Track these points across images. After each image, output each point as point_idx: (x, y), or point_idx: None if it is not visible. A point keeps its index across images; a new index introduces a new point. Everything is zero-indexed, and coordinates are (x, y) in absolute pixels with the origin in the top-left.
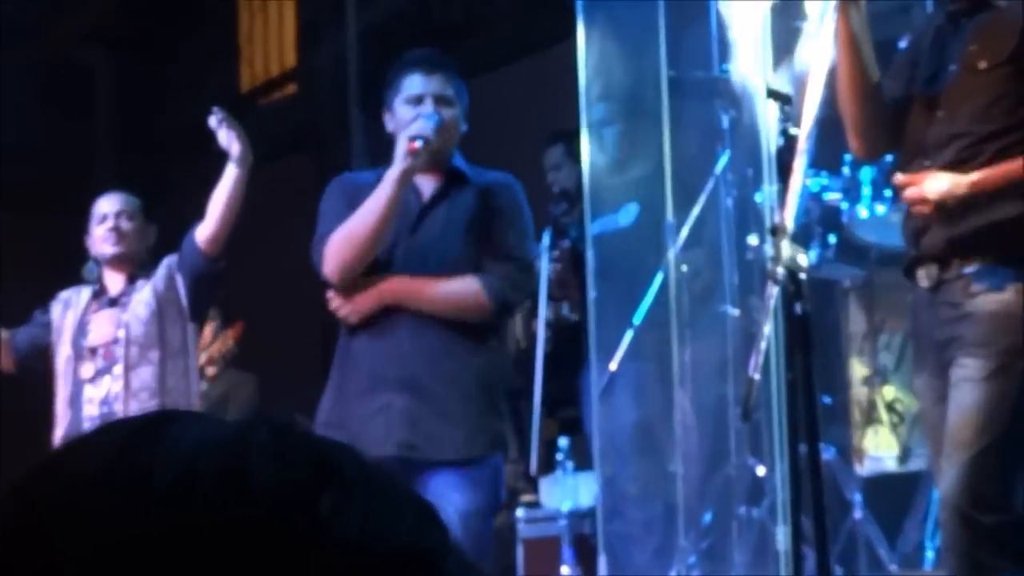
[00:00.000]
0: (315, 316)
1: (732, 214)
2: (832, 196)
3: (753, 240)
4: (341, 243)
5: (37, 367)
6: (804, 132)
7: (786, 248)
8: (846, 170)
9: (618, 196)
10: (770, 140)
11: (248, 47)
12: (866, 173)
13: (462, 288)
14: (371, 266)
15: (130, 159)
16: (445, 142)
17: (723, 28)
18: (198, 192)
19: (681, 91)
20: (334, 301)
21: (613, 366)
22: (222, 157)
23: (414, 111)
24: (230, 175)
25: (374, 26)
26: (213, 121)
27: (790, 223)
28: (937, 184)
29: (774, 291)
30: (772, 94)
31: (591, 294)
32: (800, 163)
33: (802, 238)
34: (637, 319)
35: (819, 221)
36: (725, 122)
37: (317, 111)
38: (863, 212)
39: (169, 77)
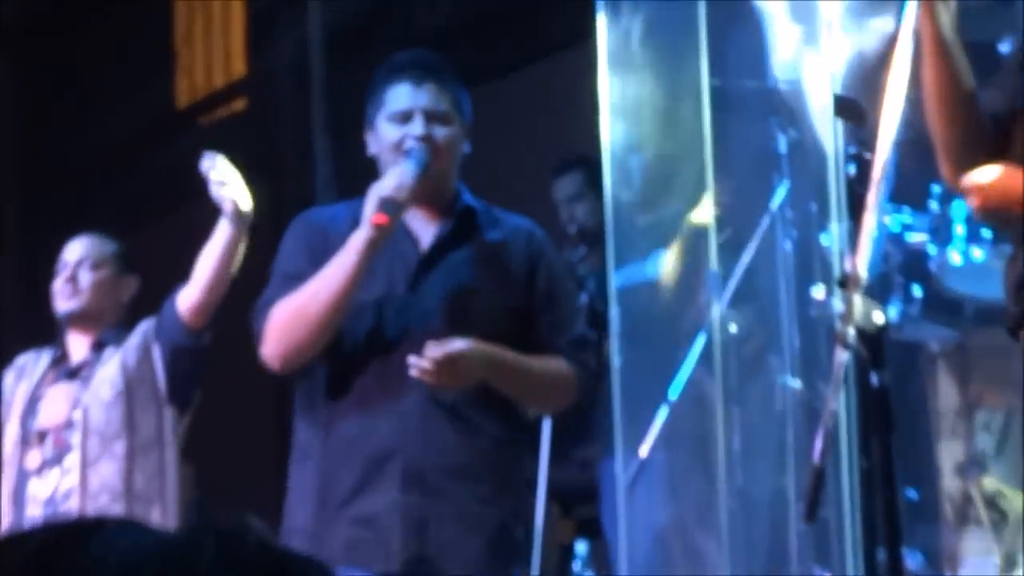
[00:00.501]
0: (269, 391)
1: (791, 261)
2: (917, 237)
3: (818, 293)
4: (287, 321)
5: None
6: (881, 157)
7: (859, 303)
8: (934, 205)
9: (648, 239)
10: (839, 167)
11: (186, 52)
12: (959, 208)
13: (559, 373)
14: (347, 335)
15: (39, 188)
16: (442, 171)
17: (779, 26)
18: (127, 231)
19: (727, 106)
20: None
21: (643, 452)
22: (151, 190)
23: (399, 131)
24: (222, 234)
25: (342, 26)
26: (204, 166)
27: (864, 272)
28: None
29: (844, 357)
30: (842, 110)
31: (615, 361)
32: (876, 196)
33: (879, 291)
34: (673, 393)
35: (900, 269)
36: (783, 145)
37: (272, 131)
38: (955, 257)
39: (87, 91)
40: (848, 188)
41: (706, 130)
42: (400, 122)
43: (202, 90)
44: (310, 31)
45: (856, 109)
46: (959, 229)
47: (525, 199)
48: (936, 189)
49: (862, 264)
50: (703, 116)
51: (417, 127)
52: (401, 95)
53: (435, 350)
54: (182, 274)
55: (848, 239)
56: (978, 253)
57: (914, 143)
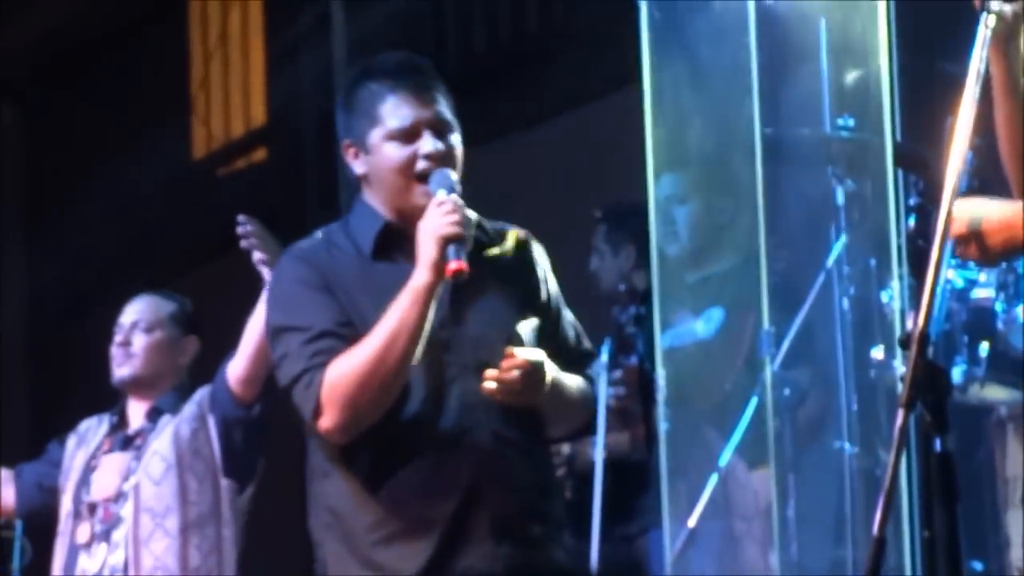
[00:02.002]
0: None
1: (850, 319)
2: (983, 294)
3: (878, 354)
4: (350, 387)
5: (46, 515)
6: (946, 209)
7: (922, 364)
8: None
9: (697, 297)
10: (901, 220)
11: (202, 99)
12: None
13: (583, 390)
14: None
15: (47, 243)
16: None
17: (838, 71)
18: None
19: (781, 155)
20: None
21: (692, 523)
22: (170, 245)
23: (405, 150)
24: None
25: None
26: (239, 232)
27: (927, 330)
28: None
29: (906, 421)
30: (902, 159)
31: (662, 426)
32: (940, 250)
33: (944, 350)
34: (723, 460)
35: (966, 327)
36: (840, 196)
37: (295, 184)
38: None
39: (96, 141)
40: (909, 242)
41: (758, 181)
42: (405, 140)
43: (219, 139)
44: (335, 76)
45: (918, 158)
46: None
47: (565, 249)
48: None
49: (926, 322)
50: (756, 166)
51: (428, 144)
52: (402, 109)
53: (517, 360)
54: (226, 336)
55: (910, 296)
56: None
57: (980, 192)
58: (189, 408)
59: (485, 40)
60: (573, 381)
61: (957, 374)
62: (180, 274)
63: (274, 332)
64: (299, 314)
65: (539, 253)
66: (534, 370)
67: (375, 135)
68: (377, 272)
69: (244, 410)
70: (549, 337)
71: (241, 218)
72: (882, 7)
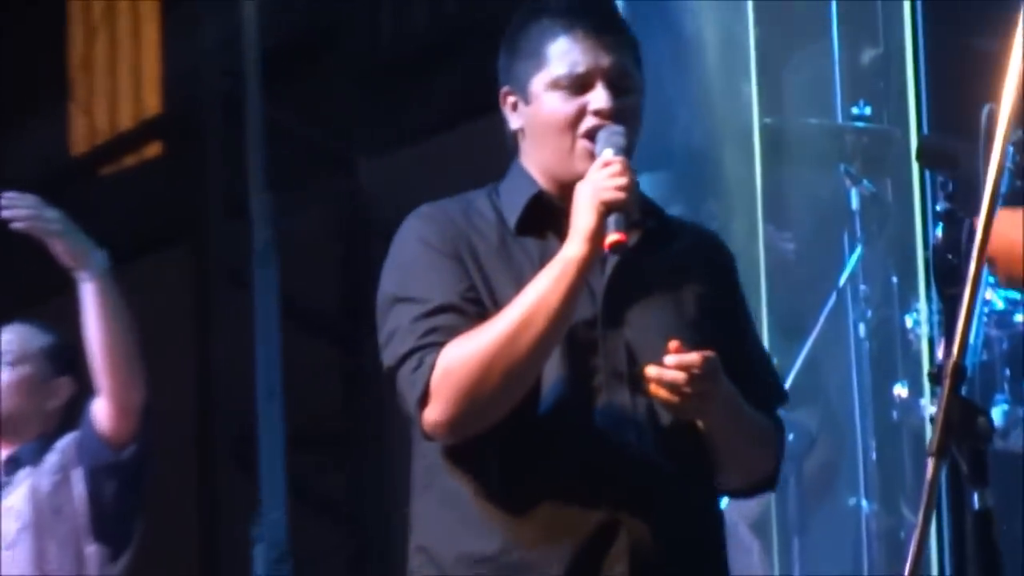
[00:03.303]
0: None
1: (867, 349)
2: None
3: (901, 391)
4: (472, 372)
5: None
6: (985, 215)
7: (956, 403)
8: None
9: None
10: (928, 230)
11: (83, 83)
12: None
13: (767, 429)
14: None
15: None
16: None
17: (852, 49)
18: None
19: (784, 150)
20: None
21: None
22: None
23: (573, 103)
24: (87, 298)
25: (286, 51)
26: (8, 212)
27: (962, 363)
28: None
29: (937, 473)
30: (929, 155)
31: None
32: (978, 266)
33: (982, 387)
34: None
35: (1009, 358)
36: (855, 199)
37: (196, 184)
38: None
39: None
40: (937, 256)
41: (757, 181)
42: (573, 91)
43: (105, 132)
44: (244, 57)
45: (948, 154)
46: None
47: None
48: None
49: (959, 354)
50: (754, 163)
51: (600, 98)
52: (574, 52)
53: (688, 357)
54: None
55: (940, 321)
56: None
57: None
58: (50, 458)
59: (427, 15)
60: (758, 418)
61: (998, 415)
62: (52, 295)
63: (386, 304)
64: (417, 283)
65: (727, 258)
66: (707, 373)
67: (538, 80)
68: (521, 248)
69: (114, 453)
70: (729, 363)
71: (9, 195)
72: None
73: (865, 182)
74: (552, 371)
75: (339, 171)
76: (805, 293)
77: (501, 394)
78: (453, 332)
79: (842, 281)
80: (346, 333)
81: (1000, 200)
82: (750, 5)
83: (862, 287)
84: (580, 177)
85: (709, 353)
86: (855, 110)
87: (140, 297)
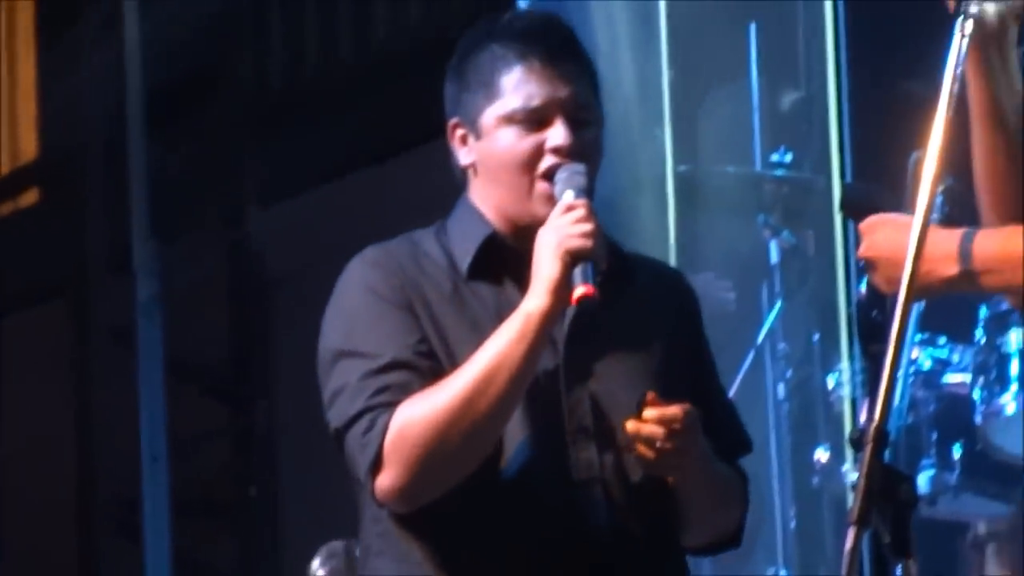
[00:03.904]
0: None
1: (786, 410)
2: (958, 378)
3: (822, 455)
4: (428, 433)
5: None
6: (908, 272)
7: (879, 469)
8: (980, 334)
9: None
10: (852, 284)
11: None
12: (1017, 338)
13: (733, 479)
14: None
15: None
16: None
17: (772, 92)
18: None
19: (699, 199)
20: None
21: None
22: None
23: (529, 139)
24: None
25: (171, 91)
26: None
27: (885, 426)
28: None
29: (858, 542)
30: (853, 205)
31: None
32: (902, 323)
33: (908, 451)
34: None
35: (936, 421)
36: (775, 252)
37: (75, 235)
38: (1010, 406)
39: None
40: (861, 312)
41: (670, 231)
42: (529, 126)
43: None
44: (127, 100)
45: (872, 204)
46: (1015, 367)
47: None
48: (984, 312)
49: (882, 416)
50: (667, 212)
51: (559, 135)
52: (529, 83)
53: (670, 411)
54: None
55: (864, 381)
56: None
57: None
58: None
59: (321, 58)
60: (725, 471)
61: (924, 481)
62: None
63: (329, 358)
64: (365, 336)
65: (690, 299)
66: (687, 427)
67: (490, 114)
68: (475, 295)
69: None
70: (697, 403)
71: None
72: (828, 9)
73: (785, 233)
74: (512, 427)
75: (228, 220)
76: (721, 350)
77: (460, 458)
78: (406, 390)
79: (760, 338)
80: (236, 392)
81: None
82: (664, 46)
83: (781, 345)
84: (538, 221)
85: (688, 406)
86: (775, 157)
87: (16, 354)
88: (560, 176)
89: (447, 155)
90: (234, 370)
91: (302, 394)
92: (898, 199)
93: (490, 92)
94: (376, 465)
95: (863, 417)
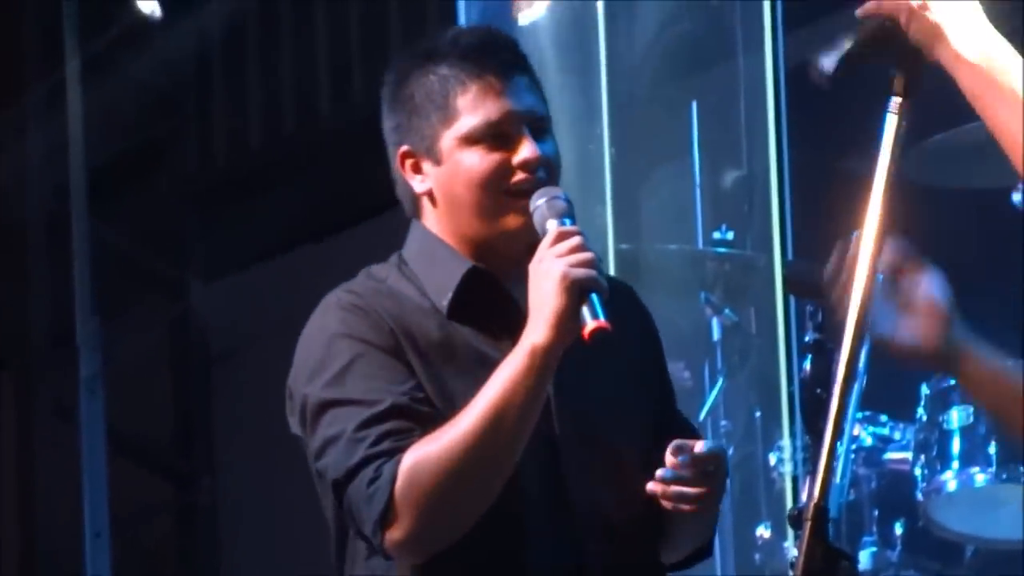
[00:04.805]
0: None
1: (728, 487)
2: (899, 456)
3: (764, 532)
4: (439, 480)
5: None
6: (848, 345)
7: (819, 547)
8: (921, 412)
9: None
10: (792, 361)
11: None
12: (958, 415)
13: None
14: None
15: None
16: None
17: (713, 171)
18: None
19: (640, 276)
20: None
21: None
22: None
23: (491, 157)
24: None
25: (113, 165)
26: None
27: (825, 503)
28: None
29: None
30: (795, 283)
31: None
32: (843, 401)
33: (849, 528)
34: None
35: (876, 499)
36: (716, 329)
37: (17, 306)
38: (951, 483)
39: None
40: (804, 390)
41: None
42: (491, 143)
43: None
44: (71, 174)
45: (815, 283)
46: (956, 444)
47: None
48: (925, 390)
49: (824, 494)
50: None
51: (526, 149)
52: (486, 101)
53: (704, 453)
54: None
55: (806, 458)
56: (981, 478)
57: None
58: None
59: (264, 133)
60: None
61: (866, 558)
62: None
63: (317, 409)
64: (356, 383)
65: (647, 317)
66: (720, 470)
67: (448, 137)
68: (459, 334)
69: None
70: (660, 431)
71: None
72: (769, 87)
73: (727, 311)
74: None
75: (171, 295)
76: None
77: (475, 500)
78: (408, 437)
79: (702, 415)
80: (179, 468)
81: (867, 328)
82: (605, 123)
83: (723, 422)
84: (509, 236)
85: (718, 448)
86: (717, 235)
87: None
88: (537, 202)
89: (392, 231)
90: (177, 446)
91: (245, 469)
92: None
93: (446, 115)
94: (386, 518)
95: (804, 495)
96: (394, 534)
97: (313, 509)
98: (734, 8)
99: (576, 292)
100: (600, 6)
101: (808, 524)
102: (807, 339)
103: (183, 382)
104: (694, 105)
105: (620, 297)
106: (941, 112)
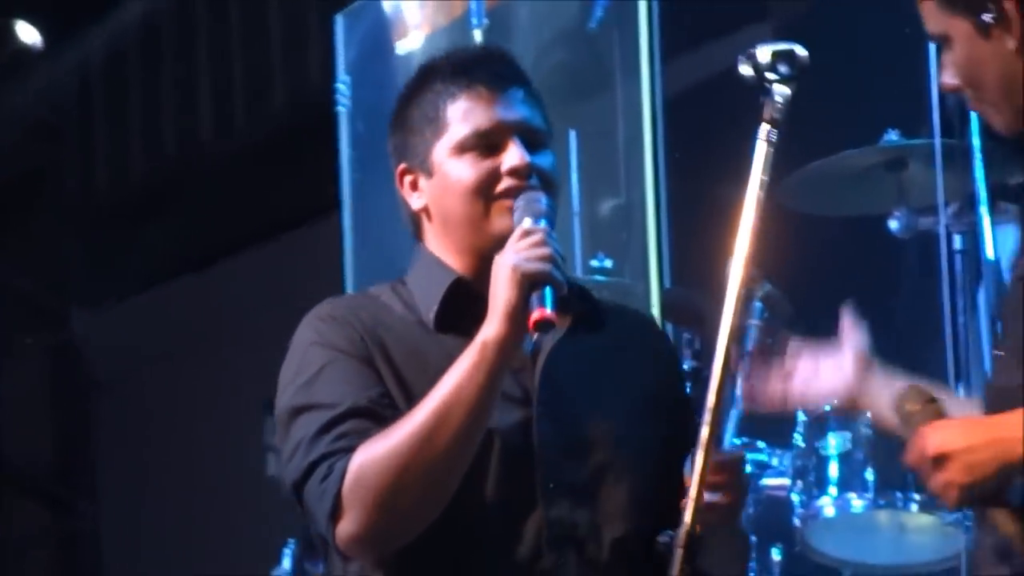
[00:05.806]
0: None
1: None
2: (776, 482)
3: None
4: (385, 474)
5: None
6: (717, 373)
7: (690, 574)
8: (799, 438)
9: None
10: None
11: None
12: (836, 442)
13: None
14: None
15: None
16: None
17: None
18: None
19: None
20: None
21: None
22: None
23: (480, 165)
24: None
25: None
26: None
27: (694, 531)
28: (945, 437)
29: None
30: (672, 310)
31: None
32: (715, 428)
33: None
34: None
35: (754, 525)
36: None
37: None
38: (828, 509)
39: None
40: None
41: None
42: (481, 152)
43: None
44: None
45: (692, 309)
46: (833, 469)
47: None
48: (802, 416)
49: (693, 520)
50: None
51: (514, 156)
52: (476, 110)
53: (731, 457)
54: None
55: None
56: (858, 503)
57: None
58: None
59: (145, 159)
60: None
61: None
62: None
63: (287, 417)
64: (323, 389)
65: (667, 345)
66: (742, 479)
67: (440, 148)
68: (441, 347)
69: None
70: (673, 462)
71: None
72: (646, 117)
73: None
74: (483, 482)
75: (51, 323)
76: None
77: (421, 499)
78: (365, 436)
79: None
80: (59, 496)
81: (746, 355)
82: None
83: None
84: (499, 241)
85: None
86: (595, 263)
87: None
88: (519, 203)
89: (277, 258)
90: (58, 473)
91: (127, 497)
92: (717, 304)
93: (437, 127)
94: (335, 511)
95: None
96: (343, 529)
97: (197, 533)
98: (612, 37)
99: (526, 285)
100: (477, 35)
101: (679, 552)
102: (685, 366)
103: (63, 409)
104: (572, 134)
105: (635, 326)
106: (820, 140)
